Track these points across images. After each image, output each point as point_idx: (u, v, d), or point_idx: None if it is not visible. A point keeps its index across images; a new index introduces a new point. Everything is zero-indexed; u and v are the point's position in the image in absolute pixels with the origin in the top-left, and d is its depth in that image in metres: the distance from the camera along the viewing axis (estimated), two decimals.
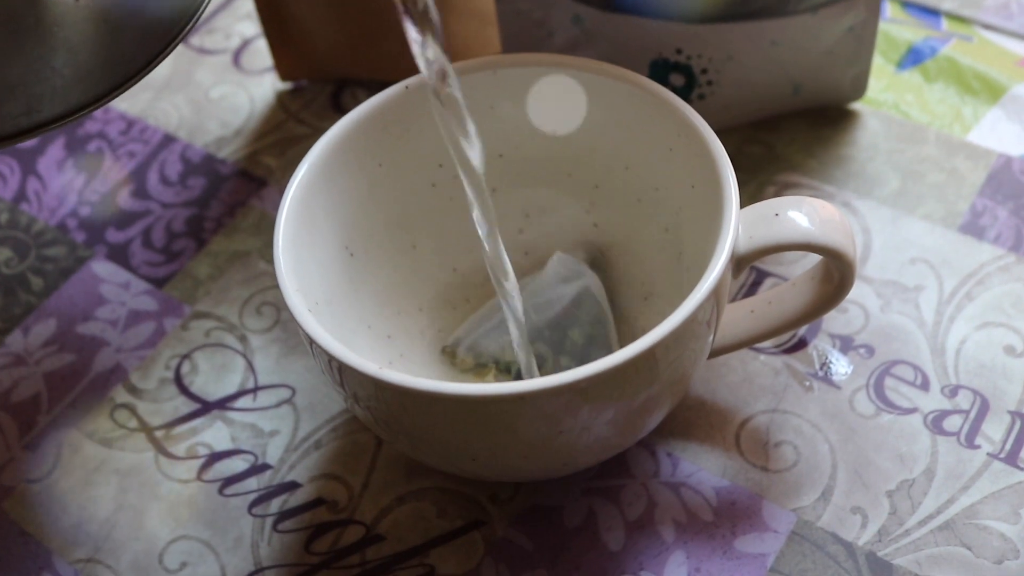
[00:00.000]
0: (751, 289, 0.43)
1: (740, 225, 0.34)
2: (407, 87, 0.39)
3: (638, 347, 0.31)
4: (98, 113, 0.54)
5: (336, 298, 0.37)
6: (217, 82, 0.55)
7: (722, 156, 0.35)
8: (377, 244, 0.40)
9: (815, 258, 0.42)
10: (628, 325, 0.41)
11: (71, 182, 0.52)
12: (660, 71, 0.46)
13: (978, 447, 0.39)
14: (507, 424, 0.32)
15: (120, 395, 0.44)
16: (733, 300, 0.41)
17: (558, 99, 0.39)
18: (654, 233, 0.40)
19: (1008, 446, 0.38)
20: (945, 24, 0.51)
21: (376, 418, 0.34)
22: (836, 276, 0.36)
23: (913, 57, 0.50)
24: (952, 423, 0.39)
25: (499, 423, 0.32)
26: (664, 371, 0.33)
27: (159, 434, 0.42)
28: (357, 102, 0.52)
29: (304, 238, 0.36)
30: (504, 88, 0.40)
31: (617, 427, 0.34)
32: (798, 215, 0.34)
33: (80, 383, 0.44)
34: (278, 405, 0.43)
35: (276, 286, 0.46)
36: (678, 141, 0.37)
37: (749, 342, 0.38)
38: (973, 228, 0.44)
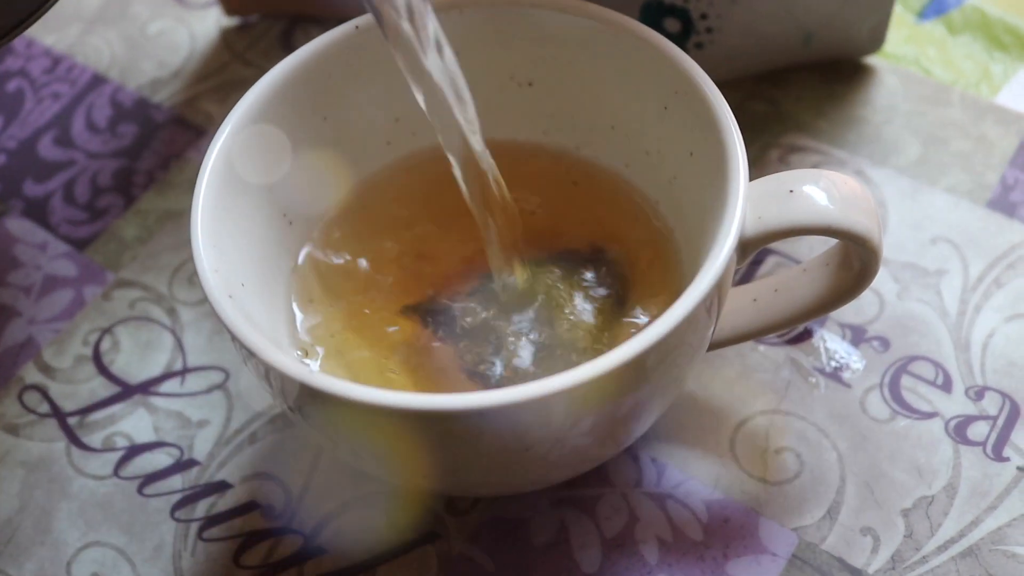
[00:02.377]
0: (750, 269, 0.38)
1: (747, 203, 0.29)
2: (357, 27, 0.33)
3: (628, 351, 0.26)
4: (19, 47, 0.48)
5: (269, 275, 0.32)
6: (155, 16, 0.49)
7: (727, 119, 0.30)
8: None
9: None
10: None
11: None
12: (652, 14, 0.40)
13: (1007, 460, 0.34)
14: (465, 441, 0.27)
15: (30, 374, 0.38)
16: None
17: (531, 44, 0.33)
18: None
19: None
20: None
21: (313, 428, 0.29)
22: (856, 264, 0.31)
23: (936, 6, 0.45)
24: (977, 431, 0.34)
25: (455, 439, 0.27)
26: (655, 374, 0.28)
27: (72, 421, 0.37)
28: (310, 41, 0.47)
29: (230, 204, 0.30)
30: (471, 31, 0.34)
31: (598, 437, 0.29)
32: (816, 191, 0.29)
33: None
34: (209, 391, 0.37)
35: None
36: (674, 99, 0.32)
37: (750, 336, 0.33)
38: (1003, 204, 0.39)
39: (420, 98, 0.30)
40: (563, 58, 0.34)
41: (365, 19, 0.33)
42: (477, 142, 0.30)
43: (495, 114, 0.35)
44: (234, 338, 0.27)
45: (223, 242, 0.29)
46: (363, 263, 0.34)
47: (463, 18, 0.33)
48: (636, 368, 0.26)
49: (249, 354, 0.27)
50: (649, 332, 0.26)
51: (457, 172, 0.31)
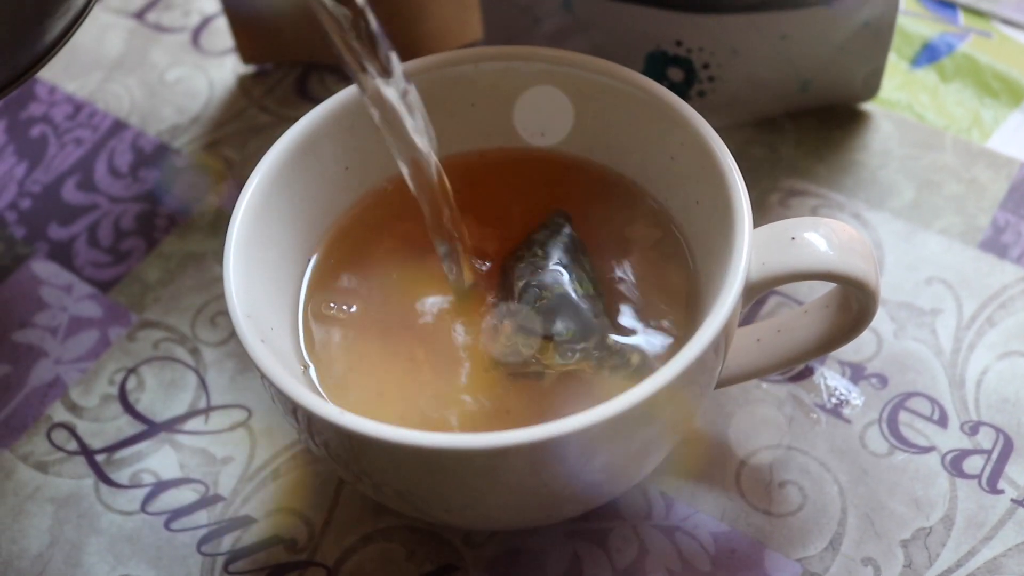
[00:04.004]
0: (753, 308, 0.40)
1: (752, 250, 0.30)
2: None
3: (642, 392, 0.27)
4: (42, 93, 0.50)
5: (294, 319, 0.33)
6: (174, 63, 0.50)
7: (732, 171, 0.31)
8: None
9: None
10: None
11: (11, 171, 0.47)
12: (657, 65, 0.42)
13: (1001, 492, 0.35)
14: (485, 476, 0.28)
15: (58, 413, 0.40)
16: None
17: (546, 102, 0.35)
18: None
19: None
20: (962, 18, 0.47)
21: (340, 464, 0.30)
22: (855, 306, 0.32)
23: (929, 54, 0.46)
24: (973, 464, 0.36)
25: (476, 475, 0.28)
26: (667, 412, 0.29)
27: (100, 458, 0.39)
28: (325, 88, 0.48)
29: (259, 253, 0.32)
30: (486, 84, 0.35)
31: (610, 474, 0.31)
32: (816, 238, 0.31)
33: (14, 398, 0.40)
34: (232, 428, 0.39)
35: None
36: (680, 150, 0.33)
37: (755, 374, 0.34)
38: (995, 245, 0.40)
39: (375, 115, 0.31)
40: (574, 110, 0.35)
41: None
42: (426, 153, 0.31)
43: (510, 163, 0.36)
44: (269, 382, 0.29)
45: (254, 289, 0.31)
46: (364, 306, 0.35)
47: (478, 72, 0.35)
48: (649, 407, 0.28)
49: (282, 397, 0.28)
50: (662, 373, 0.28)
51: (409, 182, 0.32)
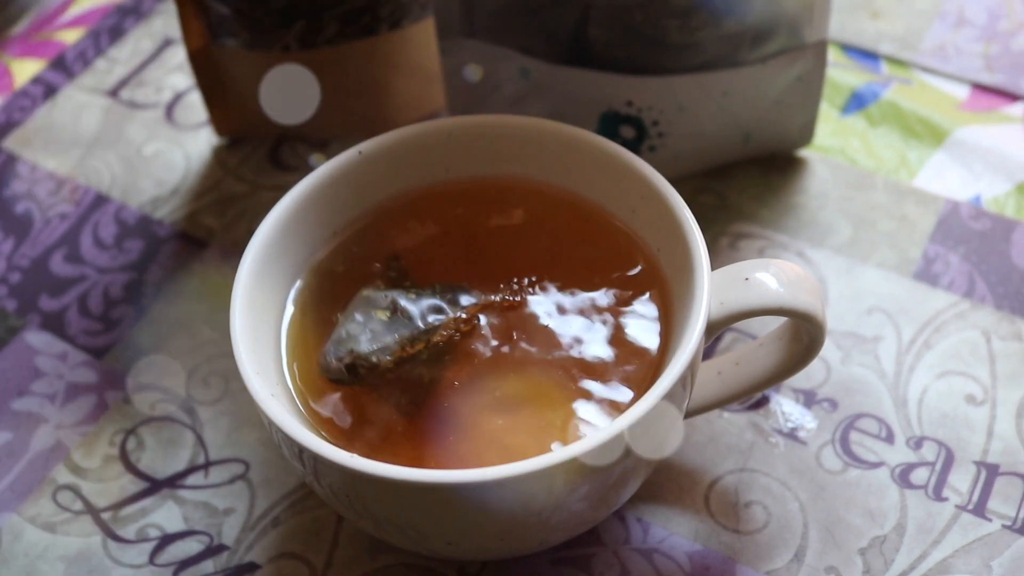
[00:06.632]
0: (711, 343, 0.43)
1: (711, 292, 0.34)
2: (360, 152, 0.38)
3: (616, 427, 0.30)
4: (24, 172, 0.52)
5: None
6: (150, 138, 0.53)
7: (689, 221, 0.35)
8: None
9: None
10: None
11: None
12: (610, 124, 0.45)
13: (946, 499, 0.39)
14: (485, 508, 0.31)
15: (62, 475, 0.42)
16: None
17: (512, 161, 0.38)
18: None
19: (975, 497, 0.38)
20: (885, 68, 0.52)
21: (345, 504, 0.33)
22: (805, 338, 0.35)
23: (856, 102, 0.50)
24: (919, 476, 0.39)
25: (478, 507, 0.31)
26: (640, 446, 0.32)
27: (106, 516, 0.41)
28: (297, 156, 0.51)
29: (259, 317, 0.35)
30: (458, 149, 0.39)
31: (592, 502, 0.33)
32: (768, 278, 0.34)
33: (18, 464, 0.42)
34: (232, 481, 0.41)
35: (223, 355, 0.44)
36: (641, 203, 0.37)
37: (717, 404, 0.37)
38: (927, 275, 0.44)
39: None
40: (541, 170, 0.39)
41: (367, 144, 0.38)
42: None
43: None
44: (282, 434, 0.31)
45: (260, 348, 0.34)
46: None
47: (451, 140, 0.38)
48: (625, 439, 0.31)
49: (295, 446, 0.31)
50: (637, 407, 0.31)
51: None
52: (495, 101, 0.46)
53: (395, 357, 0.35)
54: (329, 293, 0.38)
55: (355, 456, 0.30)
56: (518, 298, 0.37)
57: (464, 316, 0.36)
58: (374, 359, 0.35)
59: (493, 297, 0.37)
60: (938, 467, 0.39)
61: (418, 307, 0.36)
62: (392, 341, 0.35)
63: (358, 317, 0.36)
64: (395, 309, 0.36)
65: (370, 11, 0.46)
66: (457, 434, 0.34)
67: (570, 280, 0.37)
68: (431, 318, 0.36)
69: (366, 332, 0.35)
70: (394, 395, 0.35)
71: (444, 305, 0.36)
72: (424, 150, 0.38)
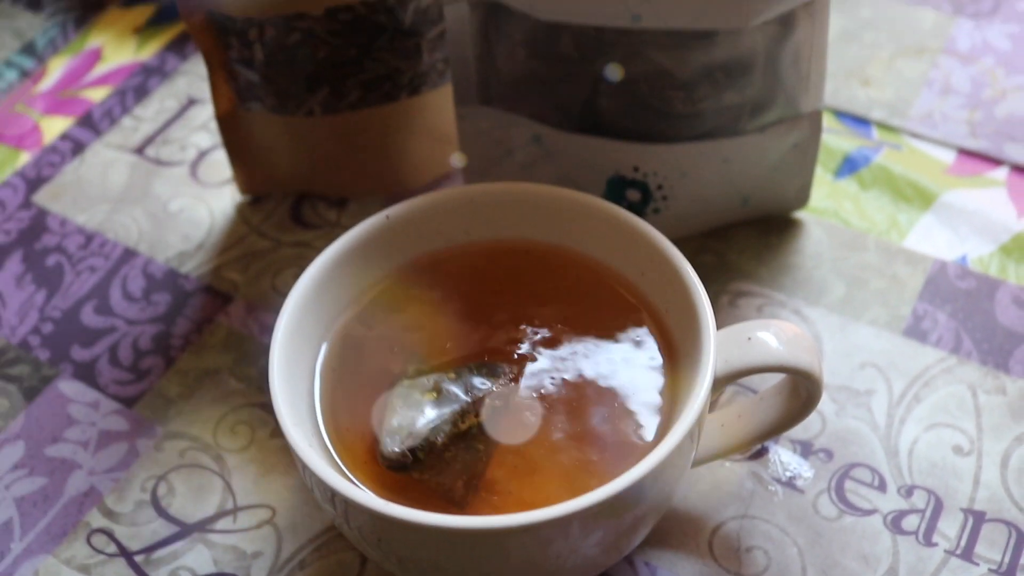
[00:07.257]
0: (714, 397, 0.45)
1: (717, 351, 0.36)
2: (387, 216, 0.40)
3: (631, 476, 0.33)
4: (54, 226, 0.54)
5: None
6: (175, 195, 0.55)
7: (695, 284, 0.37)
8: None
9: None
10: None
11: (31, 298, 0.52)
12: (617, 187, 0.48)
13: (935, 545, 0.41)
14: (508, 552, 0.33)
15: (96, 519, 0.44)
16: None
17: (528, 225, 0.41)
18: None
19: (963, 542, 0.41)
20: (876, 133, 0.55)
21: (372, 545, 0.35)
22: (803, 392, 0.38)
23: (849, 166, 0.53)
24: (910, 522, 0.42)
25: (501, 552, 0.33)
26: (653, 491, 0.35)
27: (139, 559, 0.43)
28: (318, 214, 0.54)
29: (296, 372, 0.37)
30: (479, 214, 0.41)
31: (605, 547, 0.36)
32: (768, 337, 0.37)
33: (52, 507, 0.44)
34: (259, 526, 0.43)
35: (249, 404, 0.47)
36: (649, 266, 0.39)
37: (720, 455, 0.40)
38: (916, 332, 0.47)
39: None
40: (556, 234, 0.41)
41: (395, 209, 0.40)
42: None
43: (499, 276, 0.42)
44: (319, 482, 0.33)
45: (296, 401, 0.36)
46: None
47: (473, 205, 0.41)
48: (640, 487, 0.33)
49: (330, 492, 0.33)
50: (650, 458, 0.33)
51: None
52: (508, 165, 0.49)
53: (451, 432, 0.37)
54: (354, 355, 0.40)
55: (390, 503, 0.32)
56: (535, 357, 0.39)
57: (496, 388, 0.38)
58: (432, 438, 0.37)
59: (509, 370, 0.39)
60: (928, 514, 0.42)
61: (460, 385, 0.38)
62: (445, 417, 0.38)
63: (404, 405, 0.38)
64: (439, 390, 0.38)
65: (391, 79, 0.49)
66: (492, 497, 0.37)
67: (583, 338, 0.40)
68: (476, 390, 0.38)
69: (417, 415, 0.37)
70: (448, 479, 0.37)
71: (484, 379, 0.38)
72: (447, 214, 0.41)
